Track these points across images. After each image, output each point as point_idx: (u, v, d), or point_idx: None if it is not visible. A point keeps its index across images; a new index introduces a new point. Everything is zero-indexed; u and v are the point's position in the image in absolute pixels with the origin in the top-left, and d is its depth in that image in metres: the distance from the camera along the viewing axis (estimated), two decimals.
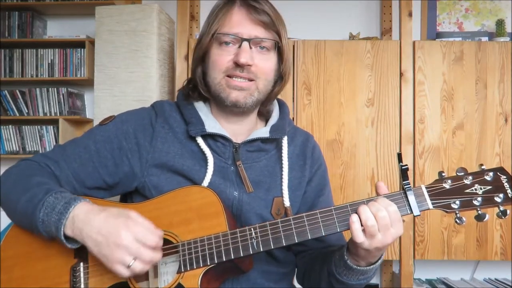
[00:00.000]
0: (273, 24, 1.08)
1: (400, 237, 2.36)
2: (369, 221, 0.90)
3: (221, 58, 1.07)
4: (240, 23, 1.07)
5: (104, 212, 0.94)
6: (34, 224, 0.98)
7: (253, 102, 1.10)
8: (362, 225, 0.91)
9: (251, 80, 1.09)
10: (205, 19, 1.15)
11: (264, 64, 1.09)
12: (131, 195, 1.15)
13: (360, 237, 0.91)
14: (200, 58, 1.13)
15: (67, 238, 0.95)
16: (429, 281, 2.71)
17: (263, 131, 1.15)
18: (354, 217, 0.92)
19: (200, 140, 1.11)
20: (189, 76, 1.21)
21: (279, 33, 1.10)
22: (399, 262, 2.39)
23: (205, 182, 1.07)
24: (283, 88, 1.20)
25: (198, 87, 1.15)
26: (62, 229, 0.94)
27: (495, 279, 2.69)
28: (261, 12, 1.07)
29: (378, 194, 0.96)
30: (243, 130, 1.16)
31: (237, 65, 1.06)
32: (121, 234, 0.89)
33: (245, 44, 1.06)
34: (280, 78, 1.16)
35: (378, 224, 0.90)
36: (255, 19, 1.07)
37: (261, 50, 1.09)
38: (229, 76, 1.08)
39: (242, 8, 1.08)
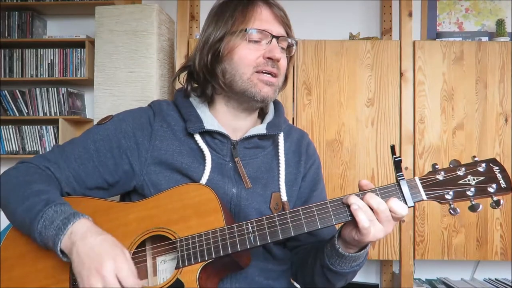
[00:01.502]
0: (290, 24, 1.14)
1: (400, 237, 2.36)
2: (381, 206, 0.90)
3: (251, 53, 1.09)
4: (268, 20, 1.10)
5: (102, 236, 0.93)
6: (32, 234, 0.97)
7: (275, 97, 1.15)
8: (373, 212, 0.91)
9: (276, 75, 1.11)
10: (208, 18, 1.16)
11: (284, 62, 1.13)
12: (129, 195, 1.15)
13: (365, 222, 0.90)
14: (217, 56, 1.11)
15: (62, 252, 0.95)
16: (429, 281, 2.71)
17: (260, 128, 1.16)
18: (359, 203, 0.91)
19: (198, 137, 1.11)
20: (196, 74, 1.17)
21: (292, 33, 1.14)
22: (399, 262, 2.38)
23: (204, 179, 1.07)
24: (284, 88, 1.22)
25: (218, 84, 1.13)
26: (59, 245, 0.93)
27: (495, 279, 2.68)
28: (281, 10, 1.12)
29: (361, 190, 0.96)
30: (242, 127, 1.17)
31: (269, 60, 1.09)
32: (105, 263, 0.88)
33: (275, 40, 1.09)
34: (284, 78, 1.19)
35: (379, 215, 0.91)
36: (279, 17, 1.12)
37: (282, 50, 1.13)
38: (257, 72, 1.09)
39: (266, 6, 1.12)
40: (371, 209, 0.91)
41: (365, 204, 0.91)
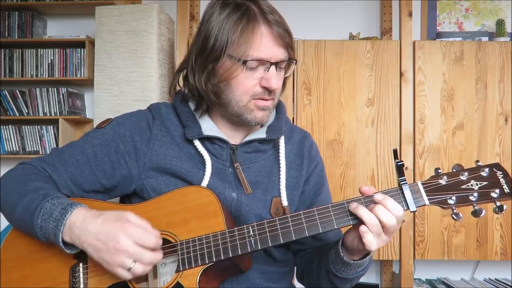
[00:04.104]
0: (291, 42, 1.07)
1: (400, 237, 2.37)
2: (391, 221, 0.90)
3: (249, 82, 1.04)
4: (268, 45, 1.03)
5: (101, 217, 0.93)
6: (33, 230, 0.98)
7: (269, 117, 1.13)
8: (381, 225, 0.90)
9: (272, 99, 1.09)
10: (207, 18, 1.07)
11: (280, 82, 1.10)
12: (129, 198, 1.15)
13: (373, 245, 0.90)
14: (212, 72, 1.06)
15: (65, 243, 0.95)
16: (429, 281, 2.71)
17: (260, 132, 1.14)
18: (372, 219, 0.90)
19: (197, 143, 1.10)
20: (191, 82, 1.12)
21: (293, 49, 1.10)
22: (399, 262, 2.39)
23: (204, 185, 1.06)
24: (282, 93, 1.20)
25: (212, 103, 1.10)
26: (60, 236, 0.94)
27: (495, 279, 2.69)
28: (281, 29, 1.04)
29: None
30: (241, 132, 1.16)
31: (266, 88, 1.05)
32: (120, 238, 0.89)
33: (273, 68, 1.04)
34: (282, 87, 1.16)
35: (387, 229, 0.91)
36: (279, 40, 1.04)
37: (280, 70, 1.08)
38: (254, 99, 1.06)
39: (267, 27, 1.03)
40: (380, 221, 0.90)
41: (375, 219, 0.90)
